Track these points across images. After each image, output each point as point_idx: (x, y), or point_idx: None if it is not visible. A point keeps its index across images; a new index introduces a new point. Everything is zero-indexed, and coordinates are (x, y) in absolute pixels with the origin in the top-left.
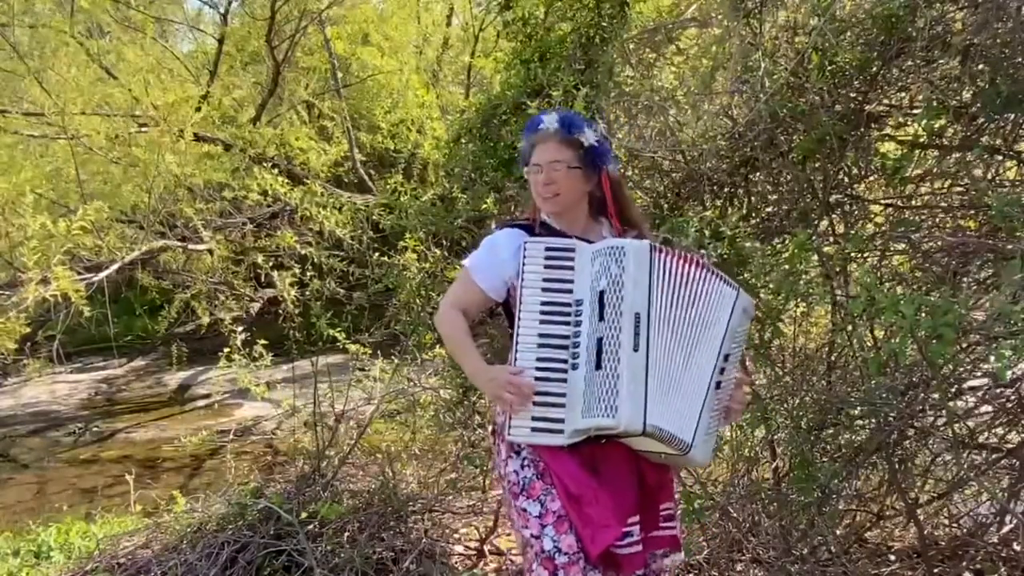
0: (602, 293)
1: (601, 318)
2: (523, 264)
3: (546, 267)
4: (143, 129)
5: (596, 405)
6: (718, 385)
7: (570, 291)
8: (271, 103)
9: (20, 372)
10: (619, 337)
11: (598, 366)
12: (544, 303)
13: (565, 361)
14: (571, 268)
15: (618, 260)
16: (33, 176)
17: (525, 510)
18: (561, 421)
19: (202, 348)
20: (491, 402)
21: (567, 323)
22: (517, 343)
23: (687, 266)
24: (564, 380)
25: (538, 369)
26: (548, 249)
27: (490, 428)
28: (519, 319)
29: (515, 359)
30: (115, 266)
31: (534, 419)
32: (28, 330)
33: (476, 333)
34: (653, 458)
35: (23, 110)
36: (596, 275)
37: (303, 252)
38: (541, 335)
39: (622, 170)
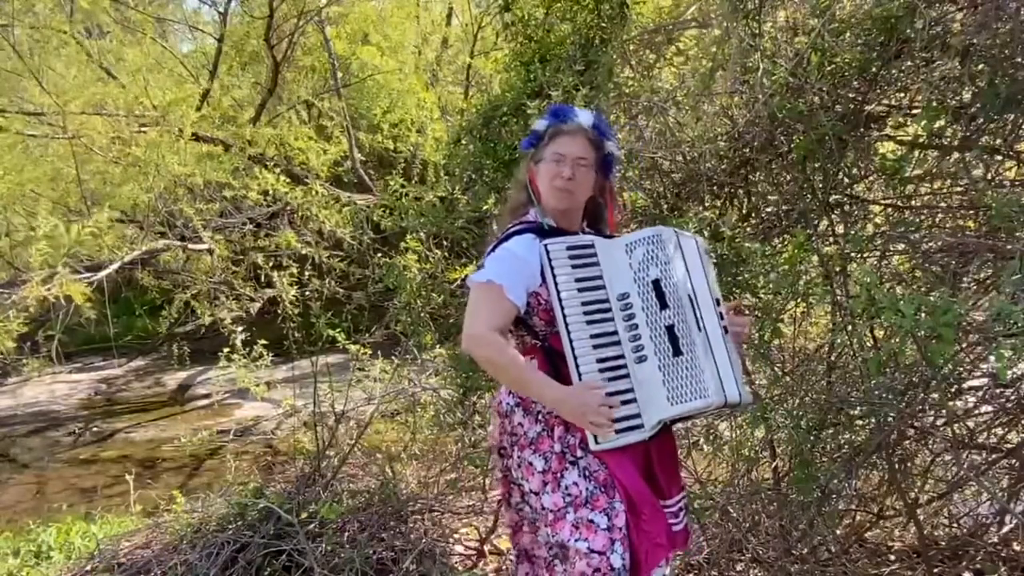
0: (656, 282)
1: (664, 306)
2: (552, 268)
3: (574, 267)
4: (143, 129)
5: (684, 390)
6: (726, 330)
7: (603, 287)
8: (271, 103)
9: (20, 372)
10: (687, 321)
11: (677, 352)
12: (585, 303)
13: (622, 356)
14: (597, 264)
15: (662, 247)
16: (34, 176)
17: (592, 522)
18: (638, 416)
19: (202, 348)
20: (500, 410)
21: (611, 319)
22: (574, 349)
23: (694, 244)
24: (627, 376)
25: (601, 371)
26: (570, 248)
27: (503, 441)
28: (567, 325)
29: (576, 366)
30: (115, 266)
31: (615, 421)
32: (27, 329)
33: None
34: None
35: (23, 109)
36: (640, 265)
37: (303, 252)
38: (593, 336)
39: (622, 172)
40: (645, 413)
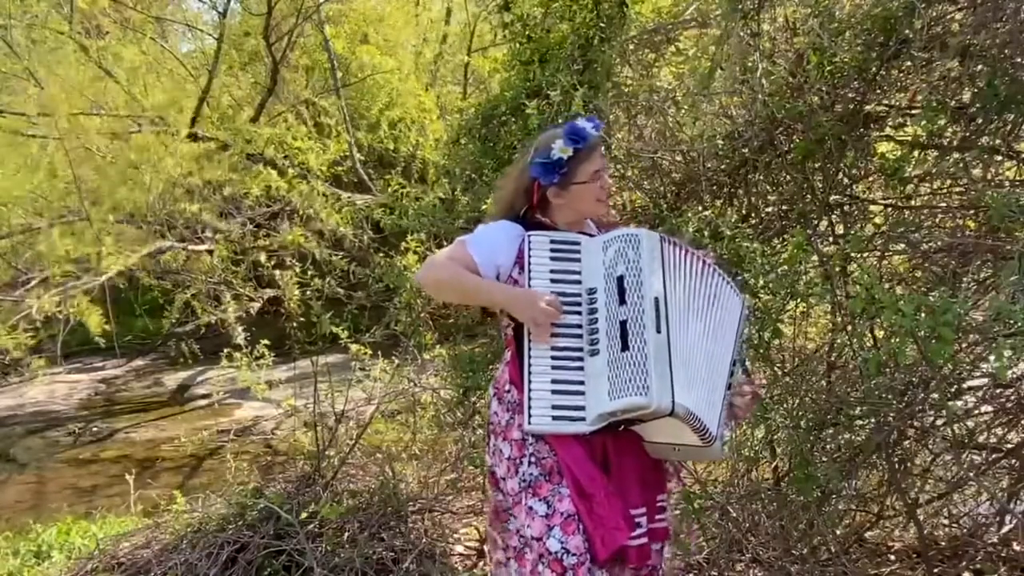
0: (621, 278)
1: (623, 302)
2: (528, 256)
3: (552, 259)
4: (143, 129)
5: (626, 385)
6: (729, 387)
7: (578, 282)
8: (270, 102)
9: (20, 372)
10: (643, 319)
11: (625, 347)
12: (554, 294)
13: (580, 349)
14: (578, 260)
15: (634, 246)
16: (31, 172)
17: (532, 508)
18: (582, 408)
19: (202, 348)
20: (487, 403)
21: (579, 312)
22: (530, 333)
23: (693, 259)
24: (581, 368)
25: (553, 358)
26: (553, 242)
27: (490, 427)
28: None
29: (529, 350)
30: (114, 270)
31: (554, 407)
32: (33, 342)
33: (474, 333)
34: (665, 453)
35: (22, 110)
36: (611, 262)
37: (304, 251)
38: (554, 324)
39: (622, 172)
40: (589, 406)
